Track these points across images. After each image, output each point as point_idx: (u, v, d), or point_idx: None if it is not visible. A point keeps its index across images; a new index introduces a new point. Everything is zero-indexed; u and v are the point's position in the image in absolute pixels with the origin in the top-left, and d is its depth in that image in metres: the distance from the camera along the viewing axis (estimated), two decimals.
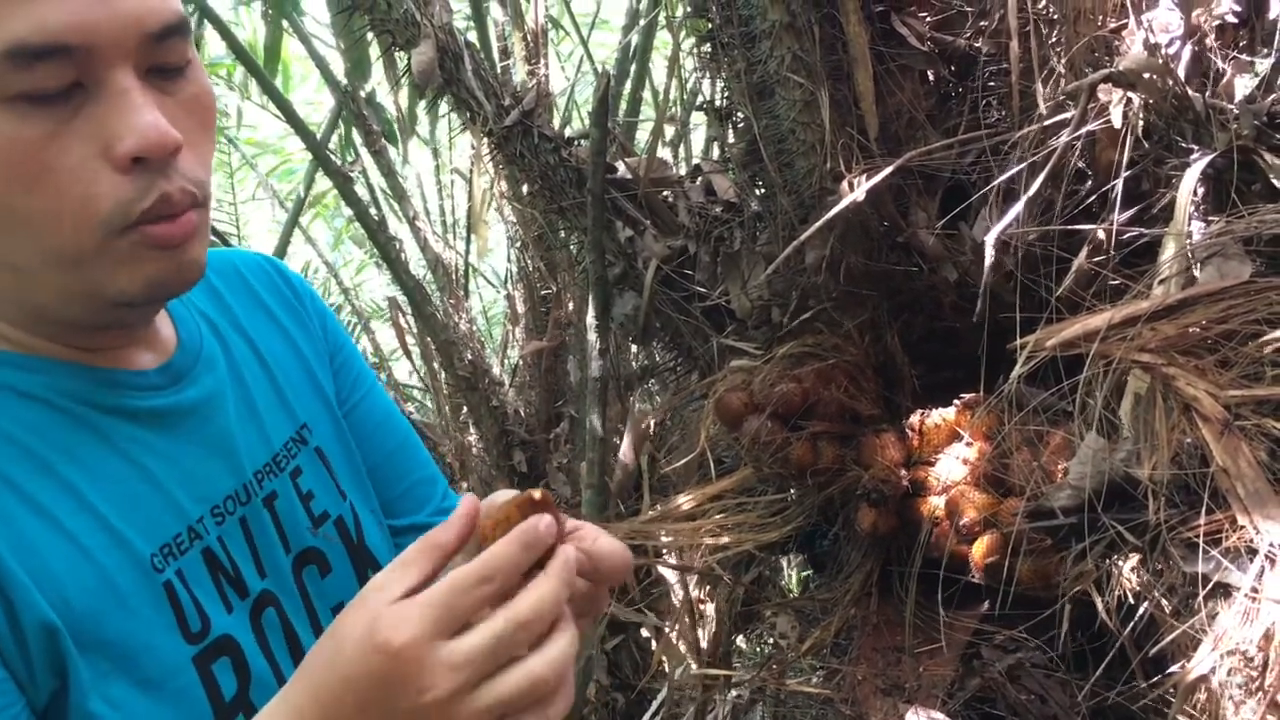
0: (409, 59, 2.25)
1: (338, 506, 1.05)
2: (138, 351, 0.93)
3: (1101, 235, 1.87)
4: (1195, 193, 1.44)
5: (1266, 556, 1.16)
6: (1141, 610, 1.85)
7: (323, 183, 5.10)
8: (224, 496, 0.95)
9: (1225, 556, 1.17)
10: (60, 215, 0.79)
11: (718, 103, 2.15)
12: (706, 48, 2.14)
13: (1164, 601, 1.32)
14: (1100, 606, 1.84)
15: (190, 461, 0.93)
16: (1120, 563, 1.43)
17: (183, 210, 0.83)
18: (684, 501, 2.14)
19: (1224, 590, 1.18)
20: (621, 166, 2.26)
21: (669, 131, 2.99)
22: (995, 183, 1.72)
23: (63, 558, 0.82)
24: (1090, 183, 1.86)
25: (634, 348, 3.00)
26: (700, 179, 2.28)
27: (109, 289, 0.83)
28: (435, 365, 4.15)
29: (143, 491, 0.88)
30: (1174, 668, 1.31)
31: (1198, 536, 1.19)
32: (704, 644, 2.51)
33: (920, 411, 2.00)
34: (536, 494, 0.78)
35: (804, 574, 3.59)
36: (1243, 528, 1.17)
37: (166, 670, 0.85)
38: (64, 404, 0.87)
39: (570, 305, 4.05)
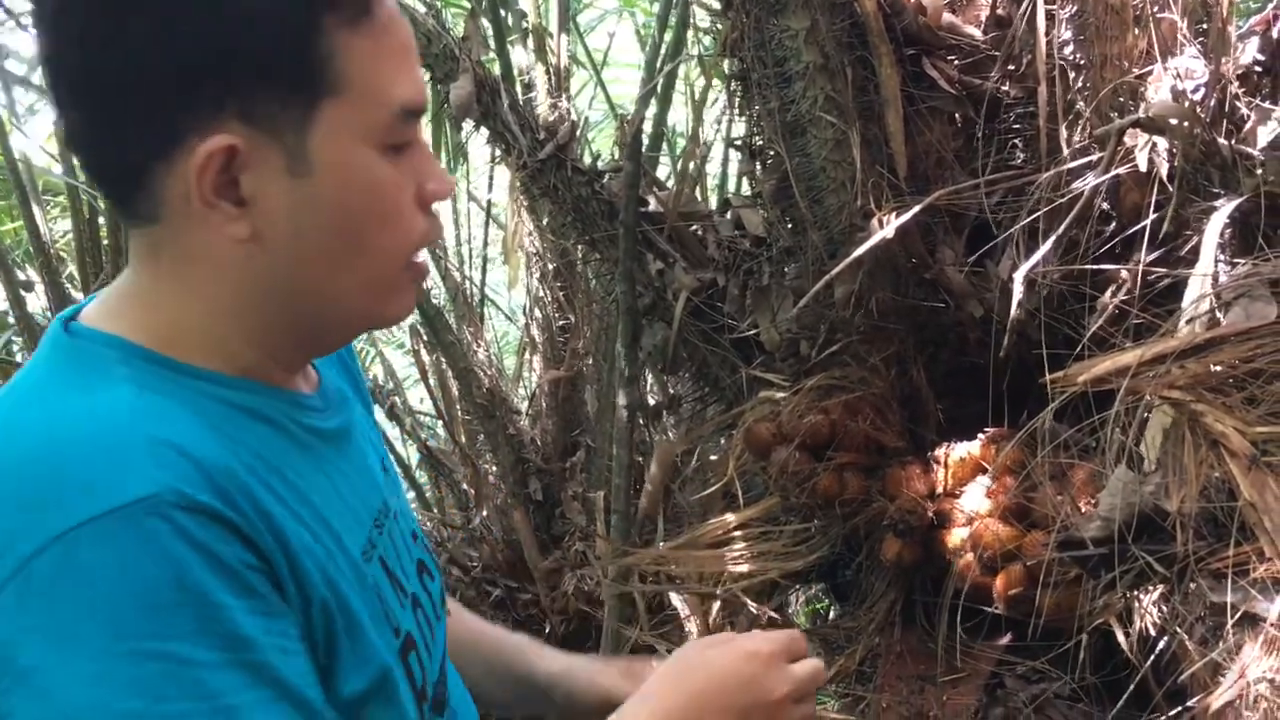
0: (447, 92, 2.31)
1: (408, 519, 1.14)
2: (299, 379, 1.02)
3: (1126, 275, 1.91)
4: (1222, 235, 1.48)
5: None
6: (1164, 643, 1.89)
7: None
8: (377, 509, 1.04)
9: (1252, 587, 1.20)
10: (395, 249, 0.93)
11: (748, 140, 2.20)
12: (737, 86, 2.19)
13: (1187, 633, 1.36)
14: (1122, 639, 1.88)
15: (355, 476, 1.02)
16: (1143, 596, 1.47)
17: None
18: (710, 529, 2.17)
19: (1250, 621, 1.21)
20: (652, 200, 2.31)
21: (693, 167, 3.04)
22: (1021, 223, 1.77)
23: (316, 551, 0.90)
24: (1114, 224, 1.91)
25: (651, 380, 3.04)
26: (730, 213, 2.32)
27: (388, 315, 0.98)
28: (454, 393, 4.18)
29: (339, 502, 0.97)
30: (1198, 697, 1.34)
31: (1225, 568, 1.22)
32: None
33: (945, 445, 2.04)
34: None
35: (816, 607, 3.61)
36: (1269, 560, 1.21)
37: (387, 664, 0.95)
38: (281, 421, 0.95)
39: (588, 335, 4.09)
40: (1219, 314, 1.44)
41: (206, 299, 0.91)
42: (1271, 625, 1.17)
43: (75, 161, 1.01)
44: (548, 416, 4.26)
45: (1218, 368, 1.35)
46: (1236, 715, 1.16)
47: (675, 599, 2.59)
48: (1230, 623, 1.18)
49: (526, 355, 4.49)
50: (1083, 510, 1.57)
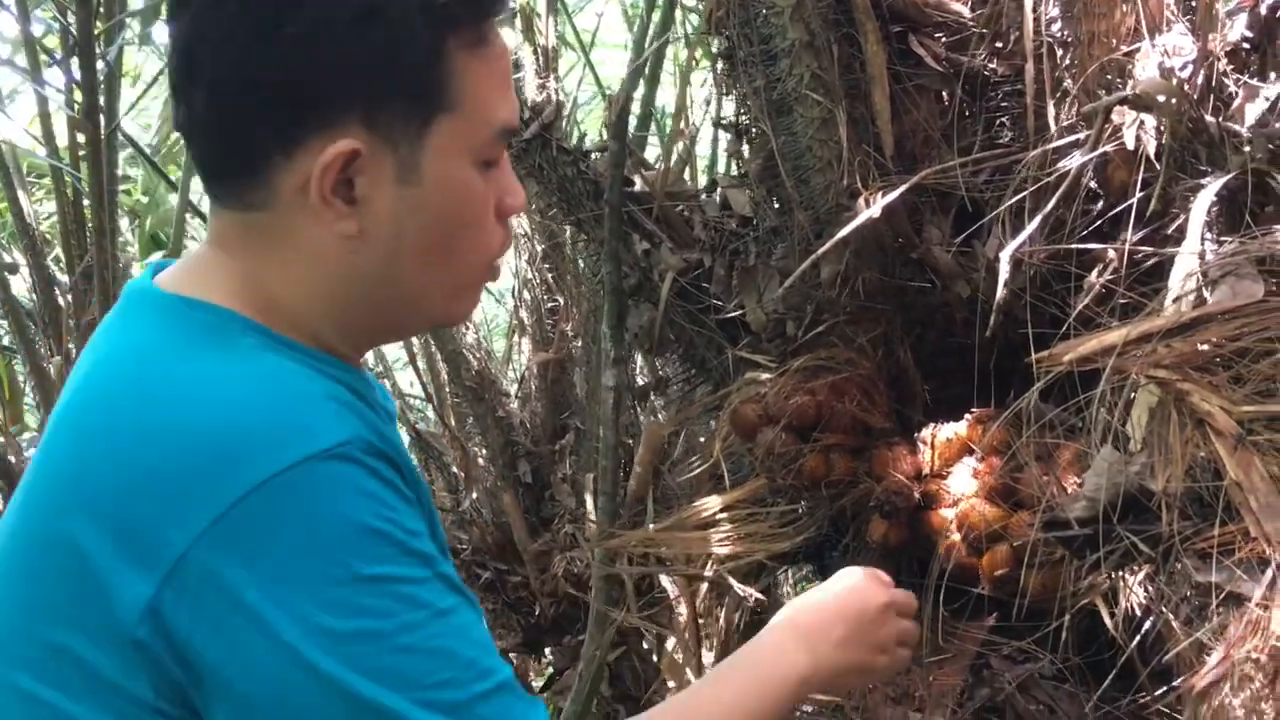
0: None
1: None
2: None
3: (1113, 255, 1.90)
4: (1209, 213, 1.47)
5: (1278, 567, 1.18)
6: (1149, 623, 1.88)
7: None
8: None
9: (1238, 567, 1.20)
10: (477, 255, 1.03)
11: (735, 119, 2.18)
12: (723, 65, 2.17)
13: (1172, 614, 1.35)
14: (1108, 619, 1.87)
15: None
16: (1128, 576, 1.46)
17: None
18: (695, 511, 2.16)
19: (1235, 600, 1.20)
20: (638, 180, 2.29)
21: (681, 147, 3.02)
22: (1007, 202, 1.75)
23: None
24: (1102, 203, 1.90)
25: (639, 362, 3.03)
26: (717, 193, 2.31)
27: (460, 314, 1.09)
28: (443, 375, 4.17)
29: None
30: (1183, 677, 1.33)
31: (1210, 548, 1.22)
32: (710, 656, 2.53)
33: (932, 426, 2.02)
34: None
35: (806, 589, 3.60)
36: (1255, 540, 1.20)
37: None
38: (370, 398, 1.05)
39: (576, 317, 4.08)
40: (1205, 292, 1.43)
41: (303, 283, 0.99)
42: (1256, 605, 1.16)
43: (184, 148, 1.20)
44: (537, 399, 4.24)
45: (1204, 346, 1.34)
46: (1222, 695, 1.15)
47: (665, 581, 2.58)
48: (1215, 603, 1.17)
49: (515, 338, 4.48)
50: (1068, 491, 1.56)
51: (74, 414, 0.98)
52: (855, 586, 1.26)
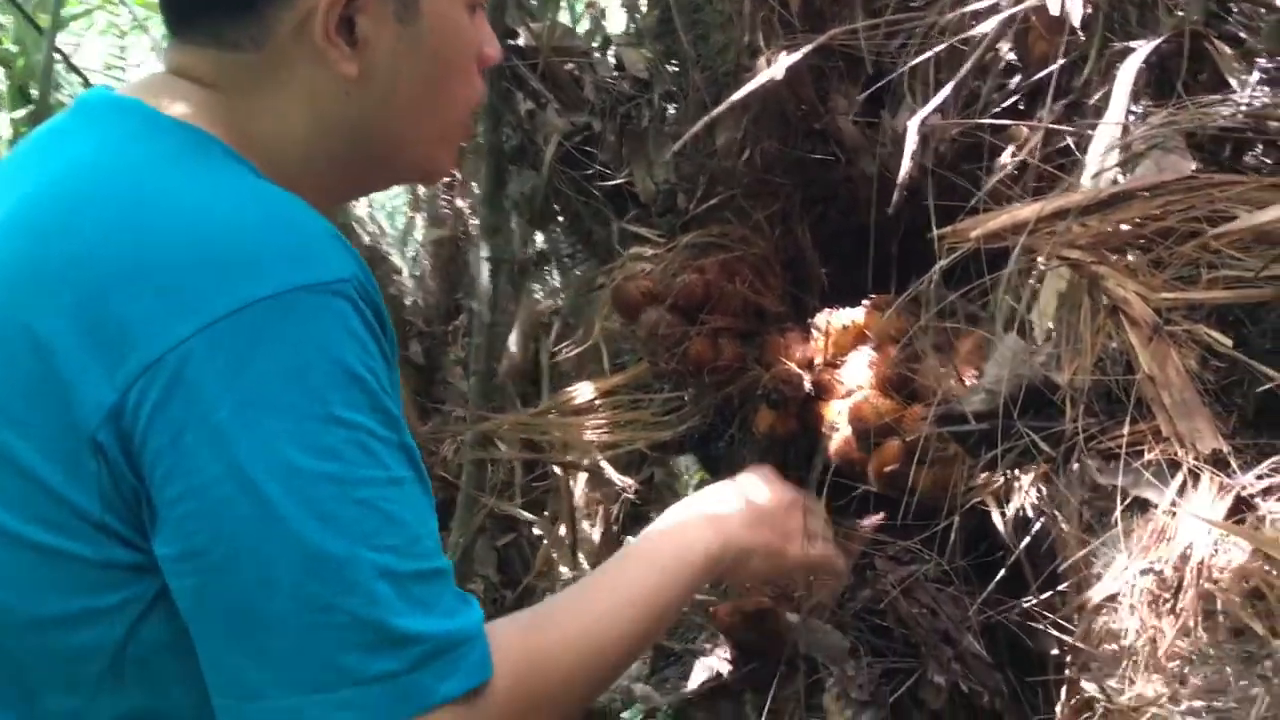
0: None
1: None
2: None
3: (1027, 131, 1.78)
4: (1136, 82, 1.33)
5: (1189, 471, 1.07)
6: (1039, 524, 1.80)
7: None
8: None
9: (1146, 470, 1.08)
10: (464, 103, 1.04)
11: None
12: None
13: (1069, 518, 1.25)
14: (998, 519, 1.79)
15: None
16: (1024, 476, 1.36)
17: None
18: (575, 395, 2.03)
19: (1140, 506, 1.09)
20: (523, 33, 2.10)
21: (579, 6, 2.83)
22: (914, 62, 1.60)
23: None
24: (1020, 76, 1.77)
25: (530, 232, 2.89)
26: (610, 52, 2.14)
27: (440, 168, 1.10)
28: None
29: None
30: (1074, 585, 1.23)
31: (1118, 448, 1.10)
32: (596, 542, 2.44)
33: (828, 312, 1.91)
34: None
35: (701, 478, 3.53)
36: (1166, 440, 1.08)
37: None
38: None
39: (475, 193, 3.94)
40: (1128, 167, 1.29)
41: (288, 128, 0.98)
42: (1164, 512, 1.05)
43: None
44: (431, 278, 4.13)
45: (1124, 227, 1.21)
46: (1120, 609, 1.04)
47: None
48: (1120, 508, 1.06)
49: (410, 213, 4.36)
50: (966, 382, 1.44)
51: (40, 214, 0.91)
52: (759, 480, 1.24)
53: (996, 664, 1.73)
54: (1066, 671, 1.39)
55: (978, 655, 1.68)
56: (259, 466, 0.80)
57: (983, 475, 1.66)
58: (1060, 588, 1.85)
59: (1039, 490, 1.58)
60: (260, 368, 0.82)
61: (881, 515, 1.83)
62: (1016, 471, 1.23)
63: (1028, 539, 1.70)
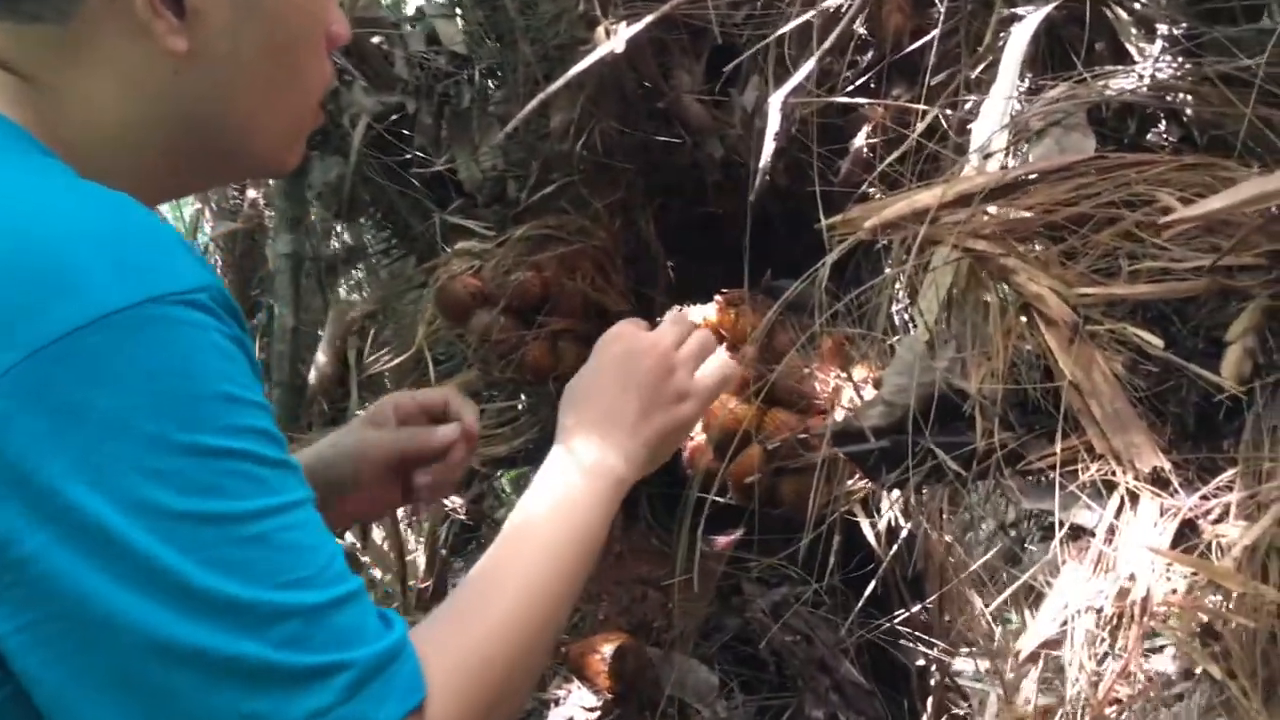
0: None
1: None
2: None
3: (883, 111, 1.68)
4: (1026, 53, 1.21)
5: (1127, 492, 0.95)
6: (905, 533, 1.70)
7: None
8: None
9: (1081, 491, 0.95)
10: (314, 87, 0.93)
11: None
12: None
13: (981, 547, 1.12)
14: (869, 532, 1.68)
15: None
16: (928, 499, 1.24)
17: None
18: None
19: (1075, 533, 0.96)
20: None
21: None
22: (779, 33, 1.47)
23: None
24: (873, 52, 1.67)
25: (337, 226, 2.69)
26: (422, 24, 1.96)
27: (287, 162, 0.95)
28: None
29: None
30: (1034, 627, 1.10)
31: (1045, 468, 0.97)
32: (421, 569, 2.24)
33: (676, 308, 1.81)
34: None
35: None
36: (1102, 457, 0.95)
37: None
38: None
39: (269, 183, 3.70)
40: (1022, 147, 1.17)
41: (102, 113, 0.86)
42: (1102, 544, 0.92)
43: None
44: (223, 274, 3.89)
45: (1028, 214, 1.08)
46: (1061, 651, 0.91)
47: None
48: (1059, 536, 0.92)
49: (197, 204, 4.11)
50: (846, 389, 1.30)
51: None
52: (621, 351, 1.07)
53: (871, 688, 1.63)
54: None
55: (855, 683, 1.56)
56: (114, 516, 0.70)
57: (857, 487, 1.55)
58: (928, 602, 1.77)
59: (908, 501, 1.48)
60: (102, 400, 0.72)
61: (740, 532, 1.72)
62: (925, 493, 1.08)
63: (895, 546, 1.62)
